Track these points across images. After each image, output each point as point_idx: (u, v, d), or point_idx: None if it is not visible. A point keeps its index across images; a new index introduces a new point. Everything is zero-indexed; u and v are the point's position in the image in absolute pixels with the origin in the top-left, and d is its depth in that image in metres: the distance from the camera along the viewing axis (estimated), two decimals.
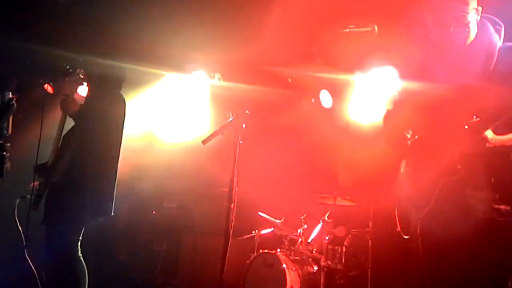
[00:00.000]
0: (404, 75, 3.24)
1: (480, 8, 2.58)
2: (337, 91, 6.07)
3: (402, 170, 3.01)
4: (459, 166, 2.57)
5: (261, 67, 5.76)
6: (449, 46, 2.64)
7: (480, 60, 2.60)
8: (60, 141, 4.17)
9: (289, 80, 2.98)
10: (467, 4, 2.53)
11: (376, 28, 2.87)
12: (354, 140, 6.03)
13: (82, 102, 4.36)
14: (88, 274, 3.93)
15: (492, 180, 2.56)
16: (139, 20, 5.22)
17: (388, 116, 3.13)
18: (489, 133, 2.45)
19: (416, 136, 2.93)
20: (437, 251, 2.70)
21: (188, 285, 6.33)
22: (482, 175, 2.58)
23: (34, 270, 3.88)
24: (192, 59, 6.32)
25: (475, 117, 2.47)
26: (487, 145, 2.45)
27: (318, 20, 4.64)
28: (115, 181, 4.16)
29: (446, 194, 2.64)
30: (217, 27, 5.42)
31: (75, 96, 4.24)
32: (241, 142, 2.86)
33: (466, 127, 2.48)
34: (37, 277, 3.90)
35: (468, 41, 2.61)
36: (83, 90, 4.48)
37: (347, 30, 2.84)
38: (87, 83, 4.34)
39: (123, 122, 4.24)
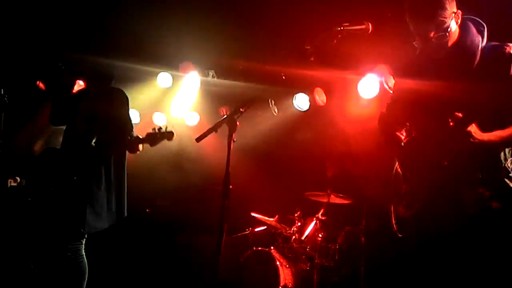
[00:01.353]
0: (397, 73, 3.26)
1: (460, 11, 2.65)
2: (331, 88, 6.09)
3: (395, 169, 3.04)
4: (445, 162, 2.59)
5: (255, 64, 5.76)
6: (432, 50, 2.69)
7: (463, 60, 2.66)
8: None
9: (283, 77, 2.98)
10: (445, 9, 2.58)
11: (370, 26, 2.87)
12: (348, 137, 6.06)
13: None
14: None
15: (481, 176, 2.59)
16: (133, 17, 5.21)
17: (382, 117, 3.17)
18: (473, 129, 2.49)
19: (409, 137, 2.97)
20: (430, 249, 2.72)
21: (182, 283, 6.33)
22: (472, 172, 2.60)
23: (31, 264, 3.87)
24: (186, 56, 6.31)
25: (460, 114, 2.51)
26: (472, 140, 2.49)
27: (312, 18, 4.65)
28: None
29: (437, 192, 2.66)
30: (211, 24, 5.41)
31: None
32: (235, 140, 2.85)
33: (451, 123, 2.52)
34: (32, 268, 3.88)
35: (450, 43, 2.67)
36: (78, 87, 4.47)
37: (341, 28, 2.83)
38: (83, 80, 4.34)
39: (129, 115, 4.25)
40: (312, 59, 2.86)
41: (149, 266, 6.90)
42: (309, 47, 2.85)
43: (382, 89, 5.50)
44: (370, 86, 5.60)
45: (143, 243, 7.17)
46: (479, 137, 2.51)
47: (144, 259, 7.02)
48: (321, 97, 6.19)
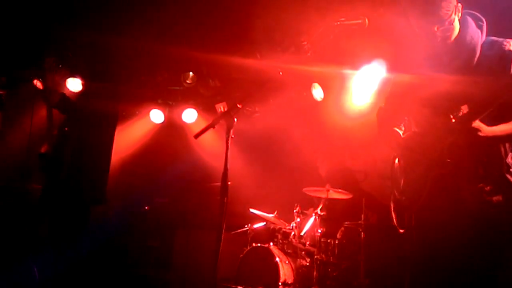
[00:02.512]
0: (397, 68, 3.26)
1: (460, 5, 2.63)
2: (328, 84, 6.09)
3: (396, 164, 3.03)
4: (448, 160, 2.59)
5: (252, 60, 5.76)
6: (434, 43, 2.68)
7: (463, 55, 2.65)
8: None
9: (280, 73, 2.97)
10: (450, 2, 2.57)
11: (367, 20, 2.86)
12: (346, 131, 6.06)
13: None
14: (80, 269, 3.93)
15: (482, 171, 2.59)
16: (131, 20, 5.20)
17: (380, 113, 3.17)
18: (479, 124, 2.48)
19: (408, 132, 2.96)
20: (431, 244, 2.72)
21: (182, 280, 6.34)
22: (472, 167, 2.60)
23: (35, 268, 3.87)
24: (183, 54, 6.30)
25: (461, 111, 2.51)
26: (480, 134, 2.48)
27: (308, 13, 4.64)
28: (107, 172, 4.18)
29: (438, 187, 2.66)
30: (206, 23, 5.40)
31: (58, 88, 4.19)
32: (232, 136, 2.84)
33: (453, 120, 2.52)
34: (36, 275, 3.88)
35: (452, 38, 2.66)
36: (72, 84, 4.45)
37: (338, 23, 2.82)
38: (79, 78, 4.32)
39: (117, 116, 4.23)
40: (309, 54, 2.86)
41: (147, 262, 6.92)
42: (306, 42, 2.84)
43: (380, 84, 5.50)
44: (367, 80, 5.59)
45: (142, 240, 7.19)
46: (485, 133, 2.51)
47: (144, 256, 7.03)
48: (318, 92, 6.19)
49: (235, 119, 2.85)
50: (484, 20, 2.72)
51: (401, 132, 3.01)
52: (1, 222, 4.45)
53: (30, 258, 3.87)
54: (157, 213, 7.24)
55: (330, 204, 5.75)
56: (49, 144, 4.06)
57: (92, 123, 4.08)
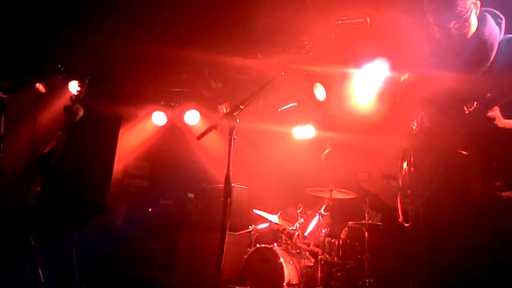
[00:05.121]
0: (412, 65, 3.25)
1: (479, 2, 2.61)
2: (331, 83, 6.08)
3: (406, 162, 3.02)
4: (461, 151, 2.56)
5: (253, 61, 5.75)
6: (450, 40, 2.66)
7: (480, 52, 2.63)
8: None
9: (282, 73, 2.97)
10: None
11: (368, 19, 2.86)
12: (349, 131, 6.05)
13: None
14: (84, 271, 3.92)
15: (494, 166, 2.56)
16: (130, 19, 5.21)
17: (395, 107, 3.16)
18: (495, 113, 2.46)
19: (421, 127, 2.96)
20: (437, 240, 2.70)
21: (186, 281, 6.33)
22: (485, 161, 2.57)
23: (40, 270, 3.85)
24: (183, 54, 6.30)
25: (475, 103, 2.49)
26: (496, 123, 2.45)
27: (309, 13, 4.63)
28: (110, 179, 4.15)
29: (447, 180, 2.64)
30: (207, 24, 5.40)
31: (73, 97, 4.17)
32: (235, 137, 2.83)
33: (467, 112, 2.50)
34: (42, 277, 3.87)
35: (469, 34, 2.64)
36: (73, 87, 4.44)
37: (340, 22, 2.82)
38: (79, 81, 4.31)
39: (120, 120, 4.22)
40: (310, 54, 2.85)
41: (151, 264, 6.92)
42: (307, 42, 2.84)
43: (383, 83, 5.48)
44: (370, 79, 5.57)
45: (146, 242, 7.20)
46: (501, 123, 2.48)
47: (147, 257, 7.04)
48: (321, 92, 6.17)
49: (238, 120, 2.84)
50: (503, 17, 2.70)
51: (414, 127, 3.01)
52: (4, 227, 4.46)
53: (30, 261, 3.86)
54: (160, 215, 7.25)
55: (334, 204, 5.74)
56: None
57: (95, 126, 4.07)
